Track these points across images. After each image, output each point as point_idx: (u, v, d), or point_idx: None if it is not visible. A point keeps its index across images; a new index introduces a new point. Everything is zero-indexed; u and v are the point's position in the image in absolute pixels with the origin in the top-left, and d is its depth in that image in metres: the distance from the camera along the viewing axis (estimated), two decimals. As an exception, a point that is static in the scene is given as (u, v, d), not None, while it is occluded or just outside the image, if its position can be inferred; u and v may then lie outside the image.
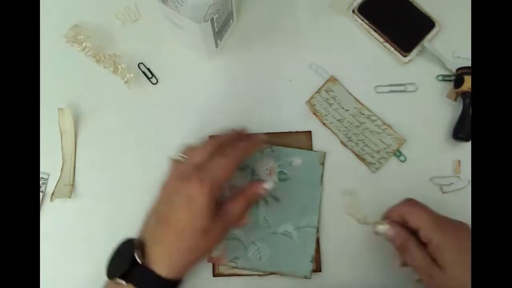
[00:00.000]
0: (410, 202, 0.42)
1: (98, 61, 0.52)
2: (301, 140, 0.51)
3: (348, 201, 0.48)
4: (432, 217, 0.39)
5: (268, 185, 0.43)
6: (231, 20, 0.50)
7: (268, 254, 0.47)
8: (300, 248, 0.47)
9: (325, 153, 0.49)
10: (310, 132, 0.51)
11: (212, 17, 0.43)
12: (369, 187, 0.49)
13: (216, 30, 0.46)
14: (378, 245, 0.48)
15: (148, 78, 0.53)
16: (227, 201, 0.41)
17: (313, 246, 0.47)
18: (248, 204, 0.43)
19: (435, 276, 0.38)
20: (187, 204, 0.38)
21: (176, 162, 0.43)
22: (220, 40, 0.50)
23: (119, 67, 0.51)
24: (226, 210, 0.41)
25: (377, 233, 0.42)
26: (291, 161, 0.49)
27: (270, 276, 0.48)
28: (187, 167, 0.40)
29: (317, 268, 0.47)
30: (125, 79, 0.51)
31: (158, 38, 0.54)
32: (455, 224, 0.40)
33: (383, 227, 0.41)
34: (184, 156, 0.42)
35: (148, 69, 0.53)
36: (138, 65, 0.53)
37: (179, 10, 0.41)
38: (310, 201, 0.48)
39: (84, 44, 0.52)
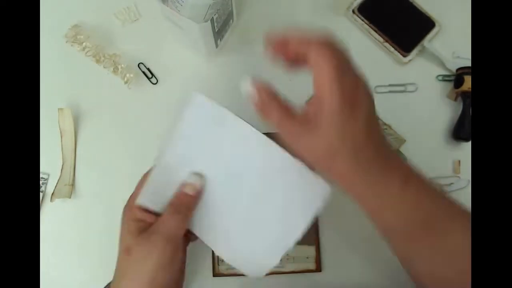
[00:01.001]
0: (324, 43, 0.33)
1: (98, 61, 0.52)
2: (301, 140, 0.50)
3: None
4: (338, 77, 0.31)
5: (189, 189, 0.39)
6: (231, 20, 0.50)
7: None
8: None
9: None
10: (310, 132, 0.51)
11: (212, 17, 0.43)
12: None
13: (216, 30, 0.46)
14: (378, 245, 0.48)
15: (148, 78, 0.53)
16: (160, 219, 0.39)
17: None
18: (186, 216, 0.39)
19: (300, 138, 0.33)
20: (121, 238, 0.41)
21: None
22: (220, 40, 0.50)
23: (119, 67, 0.51)
24: (160, 225, 0.38)
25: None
26: None
27: (270, 276, 0.48)
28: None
29: (317, 268, 0.47)
30: (125, 79, 0.51)
31: (158, 38, 0.54)
32: (354, 80, 0.33)
33: (244, 85, 0.33)
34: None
35: (148, 69, 0.53)
36: (138, 65, 0.53)
37: (179, 10, 0.41)
38: None
39: (84, 44, 0.52)
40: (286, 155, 0.40)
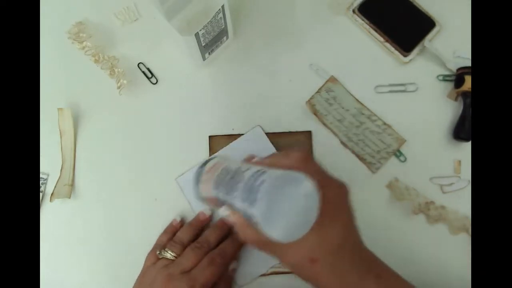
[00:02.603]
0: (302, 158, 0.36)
1: (97, 61, 0.52)
2: (301, 140, 0.50)
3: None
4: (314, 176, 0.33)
5: (234, 265, 0.46)
6: (224, 37, 0.50)
7: None
8: None
9: None
10: (310, 132, 0.51)
11: (197, 32, 0.43)
12: (369, 187, 0.49)
13: (203, 44, 0.46)
14: (378, 245, 0.48)
15: (148, 78, 0.53)
16: None
17: None
18: (229, 286, 0.46)
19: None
20: None
21: (164, 261, 0.43)
22: (209, 53, 0.50)
23: (116, 70, 0.51)
24: None
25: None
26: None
27: (271, 276, 0.48)
28: (176, 270, 0.42)
29: (317, 268, 0.48)
30: (119, 83, 0.51)
31: (158, 38, 0.54)
32: (334, 185, 0.36)
33: (223, 212, 0.36)
34: (172, 254, 0.44)
35: (148, 69, 0.53)
36: (138, 65, 0.53)
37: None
38: None
39: (84, 43, 0.52)
40: None
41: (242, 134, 0.51)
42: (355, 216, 0.35)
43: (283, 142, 0.50)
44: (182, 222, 0.49)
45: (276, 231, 0.28)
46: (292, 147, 0.36)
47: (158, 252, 0.45)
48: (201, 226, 0.47)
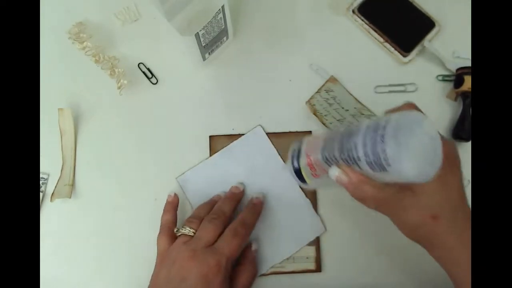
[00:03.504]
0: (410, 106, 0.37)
1: (97, 61, 0.52)
2: (301, 140, 0.51)
3: None
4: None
5: (255, 246, 0.47)
6: (224, 37, 0.50)
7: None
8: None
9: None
10: (310, 132, 0.51)
11: (198, 32, 0.43)
12: (369, 187, 0.49)
13: (203, 44, 0.47)
14: (378, 245, 0.48)
15: (148, 78, 0.53)
16: (239, 273, 0.43)
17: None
18: (255, 265, 0.46)
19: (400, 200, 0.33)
20: (205, 286, 0.39)
21: (183, 238, 0.43)
22: (209, 54, 0.50)
23: (116, 71, 0.51)
24: (241, 280, 0.43)
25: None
26: None
27: (271, 276, 0.48)
28: (198, 245, 0.41)
29: (317, 268, 0.47)
30: (119, 84, 0.51)
31: (158, 38, 0.54)
32: (448, 140, 0.35)
33: (333, 172, 0.33)
34: (192, 230, 0.43)
35: (148, 69, 0.53)
36: (138, 65, 0.53)
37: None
38: None
39: (84, 43, 0.52)
40: (299, 190, 0.49)
41: (242, 134, 0.51)
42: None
43: (283, 142, 0.50)
44: (176, 196, 0.48)
45: (408, 169, 0.27)
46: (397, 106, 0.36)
47: (175, 230, 0.44)
48: (215, 203, 0.47)
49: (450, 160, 0.33)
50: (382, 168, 0.28)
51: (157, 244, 0.44)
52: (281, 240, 0.48)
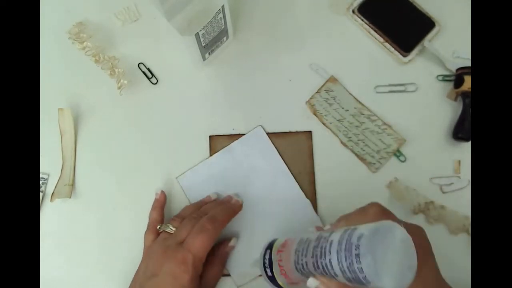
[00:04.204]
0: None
1: (97, 61, 0.52)
2: (301, 140, 0.51)
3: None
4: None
5: (233, 242, 0.47)
6: (224, 37, 0.50)
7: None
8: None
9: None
10: (310, 132, 0.51)
11: (198, 32, 0.43)
12: (369, 187, 0.49)
13: (203, 44, 0.46)
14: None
15: (148, 78, 0.53)
16: (206, 269, 0.43)
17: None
18: (223, 264, 0.46)
19: None
20: (172, 283, 0.39)
21: (164, 234, 0.44)
22: (209, 54, 0.50)
23: (116, 71, 0.51)
24: (208, 278, 0.44)
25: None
26: None
27: (270, 276, 0.48)
28: (172, 242, 0.41)
29: (317, 268, 0.47)
30: (119, 84, 0.51)
31: (158, 38, 0.54)
32: (413, 229, 0.35)
33: (312, 283, 0.34)
34: (173, 228, 0.44)
35: (148, 69, 0.53)
36: (138, 65, 0.53)
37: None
38: None
39: (84, 43, 0.52)
40: (300, 191, 0.49)
41: (242, 134, 0.51)
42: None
43: (283, 142, 0.50)
44: (164, 194, 0.49)
45: (388, 283, 0.28)
46: (362, 206, 0.36)
47: (158, 227, 0.45)
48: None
49: (422, 249, 0.34)
50: (361, 284, 0.29)
51: (144, 240, 0.46)
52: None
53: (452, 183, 0.49)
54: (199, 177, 0.50)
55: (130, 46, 0.54)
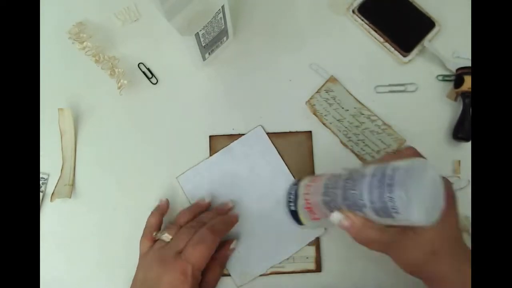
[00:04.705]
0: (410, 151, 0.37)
1: (97, 61, 0.52)
2: (301, 140, 0.51)
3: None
4: None
5: (233, 245, 0.47)
6: (224, 37, 0.50)
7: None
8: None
9: None
10: (310, 132, 0.51)
11: (198, 32, 0.43)
12: (369, 187, 0.49)
13: (203, 44, 0.47)
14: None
15: (148, 78, 0.53)
16: (205, 273, 0.43)
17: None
18: (223, 267, 0.46)
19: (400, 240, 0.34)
20: None
21: (160, 243, 0.44)
22: (209, 54, 0.50)
23: (116, 71, 0.51)
24: (207, 282, 0.44)
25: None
26: None
27: (270, 276, 0.48)
28: (170, 252, 0.41)
29: (317, 268, 0.47)
30: (119, 84, 0.51)
31: (158, 38, 0.54)
32: (443, 179, 0.35)
33: (336, 217, 0.34)
34: (169, 236, 0.43)
35: (148, 69, 0.53)
36: (138, 65, 0.53)
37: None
38: None
39: (84, 43, 0.52)
40: None
41: (242, 134, 0.51)
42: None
43: (283, 142, 0.50)
44: (167, 202, 0.48)
45: (416, 216, 0.28)
46: (400, 149, 0.37)
47: (154, 234, 0.44)
48: (200, 211, 0.47)
49: (448, 199, 0.34)
50: (389, 215, 0.29)
51: (139, 246, 0.45)
52: (281, 240, 0.48)
53: (452, 183, 0.49)
54: (199, 177, 0.50)
55: (130, 46, 0.54)
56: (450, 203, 0.35)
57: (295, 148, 0.50)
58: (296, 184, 0.39)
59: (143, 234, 0.46)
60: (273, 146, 0.50)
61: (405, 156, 0.35)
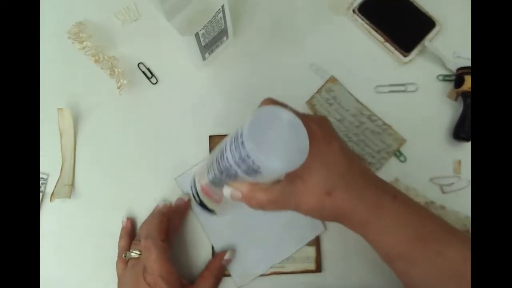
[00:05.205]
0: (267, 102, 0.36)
1: (97, 61, 0.52)
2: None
3: None
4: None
5: (228, 256, 0.46)
6: (224, 37, 0.50)
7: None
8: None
9: None
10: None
11: (197, 32, 0.43)
12: (369, 187, 0.49)
13: (203, 44, 0.46)
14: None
15: (148, 78, 0.53)
16: (199, 282, 0.44)
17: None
18: (218, 277, 0.46)
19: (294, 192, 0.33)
20: None
21: (131, 261, 0.44)
22: (209, 53, 0.50)
23: (116, 70, 0.51)
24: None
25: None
26: None
27: (270, 276, 0.48)
28: (140, 269, 0.42)
29: (317, 268, 0.47)
30: (119, 83, 0.51)
31: (158, 38, 0.54)
32: (315, 119, 0.35)
33: (226, 192, 0.33)
34: (137, 252, 0.44)
35: (148, 69, 0.53)
36: (138, 65, 0.53)
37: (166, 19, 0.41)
38: None
39: (84, 43, 0.52)
40: None
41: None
42: (346, 143, 0.36)
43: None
44: (130, 221, 0.49)
45: (276, 164, 0.27)
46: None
47: (124, 256, 0.45)
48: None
49: (325, 134, 0.34)
50: (257, 172, 0.29)
51: (116, 269, 0.46)
52: (281, 240, 0.48)
53: (452, 183, 0.49)
54: None
55: (130, 46, 0.54)
56: (328, 137, 0.34)
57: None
58: (195, 175, 0.38)
59: (117, 257, 0.47)
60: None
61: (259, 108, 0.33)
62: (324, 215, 0.35)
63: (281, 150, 0.28)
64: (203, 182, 0.36)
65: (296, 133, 0.29)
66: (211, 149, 0.51)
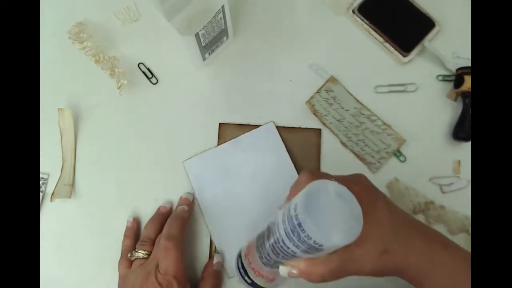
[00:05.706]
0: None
1: (97, 61, 0.52)
2: (310, 137, 0.50)
3: None
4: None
5: (216, 259, 0.46)
6: (224, 37, 0.50)
7: None
8: None
9: None
10: (319, 130, 0.51)
11: (197, 32, 0.43)
12: (369, 187, 0.49)
13: (203, 44, 0.47)
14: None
15: (148, 78, 0.53)
16: (200, 285, 0.45)
17: None
18: (218, 278, 0.46)
19: (349, 261, 0.34)
20: None
21: (138, 261, 0.44)
22: (209, 54, 0.50)
23: (116, 71, 0.51)
24: None
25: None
26: None
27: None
28: (151, 268, 0.42)
29: (317, 268, 0.47)
30: (119, 84, 0.51)
31: (158, 38, 0.54)
32: (353, 179, 0.36)
33: (283, 272, 0.34)
34: (143, 252, 0.44)
35: (148, 69, 0.53)
36: (138, 65, 0.53)
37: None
38: None
39: (84, 43, 0.52)
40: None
41: (252, 125, 0.51)
42: (386, 196, 0.36)
43: (292, 138, 0.50)
44: (136, 221, 0.49)
45: (338, 239, 0.28)
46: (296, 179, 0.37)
47: (129, 255, 0.45)
48: (164, 219, 0.47)
49: (369, 194, 0.34)
50: (318, 250, 0.29)
51: (118, 268, 0.46)
52: None
53: (452, 183, 0.49)
54: (205, 164, 0.50)
55: (130, 46, 0.54)
56: (372, 199, 0.34)
57: (303, 146, 0.50)
58: (239, 256, 0.39)
59: (120, 256, 0.47)
60: (283, 143, 0.50)
61: (302, 185, 0.33)
62: (385, 273, 0.35)
63: (339, 224, 0.28)
64: (254, 265, 0.36)
65: (347, 203, 0.29)
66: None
